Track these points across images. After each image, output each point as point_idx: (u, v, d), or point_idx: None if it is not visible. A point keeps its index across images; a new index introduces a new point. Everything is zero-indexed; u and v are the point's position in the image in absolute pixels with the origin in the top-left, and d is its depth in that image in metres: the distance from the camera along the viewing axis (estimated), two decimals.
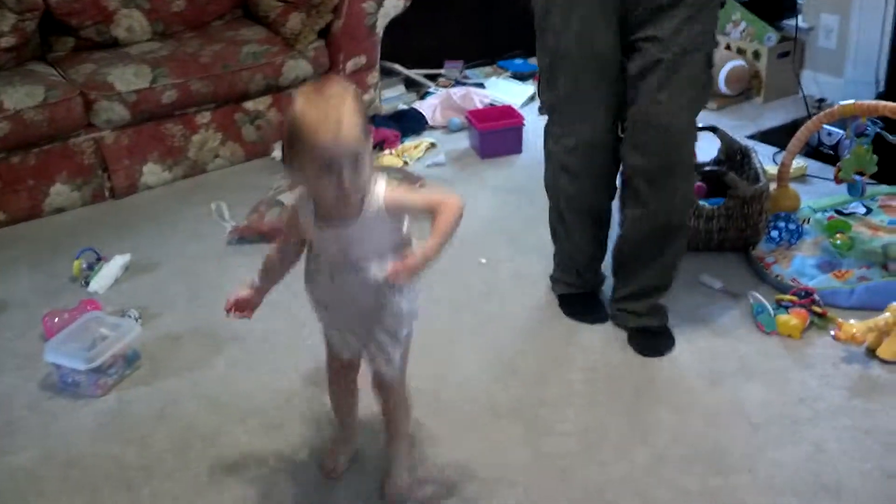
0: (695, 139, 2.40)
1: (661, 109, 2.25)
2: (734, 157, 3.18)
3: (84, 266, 3.00)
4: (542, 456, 2.15)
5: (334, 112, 1.57)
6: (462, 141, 4.02)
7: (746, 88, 4.27)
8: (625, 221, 2.50)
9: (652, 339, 2.52)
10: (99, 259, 3.04)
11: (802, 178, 3.45)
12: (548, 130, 2.52)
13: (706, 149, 3.29)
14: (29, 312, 2.85)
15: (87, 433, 2.31)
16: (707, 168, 3.04)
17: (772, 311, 2.54)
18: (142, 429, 2.31)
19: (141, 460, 2.21)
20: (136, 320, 2.68)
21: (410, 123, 4.13)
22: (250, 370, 2.52)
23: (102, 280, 2.96)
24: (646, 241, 2.45)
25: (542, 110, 2.51)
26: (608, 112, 2.36)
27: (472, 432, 2.24)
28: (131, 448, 2.25)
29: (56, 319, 2.66)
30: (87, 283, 2.97)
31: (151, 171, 3.70)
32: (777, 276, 2.74)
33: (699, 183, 2.98)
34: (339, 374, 2.04)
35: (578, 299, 2.69)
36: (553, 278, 2.77)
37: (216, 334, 2.69)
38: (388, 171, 3.56)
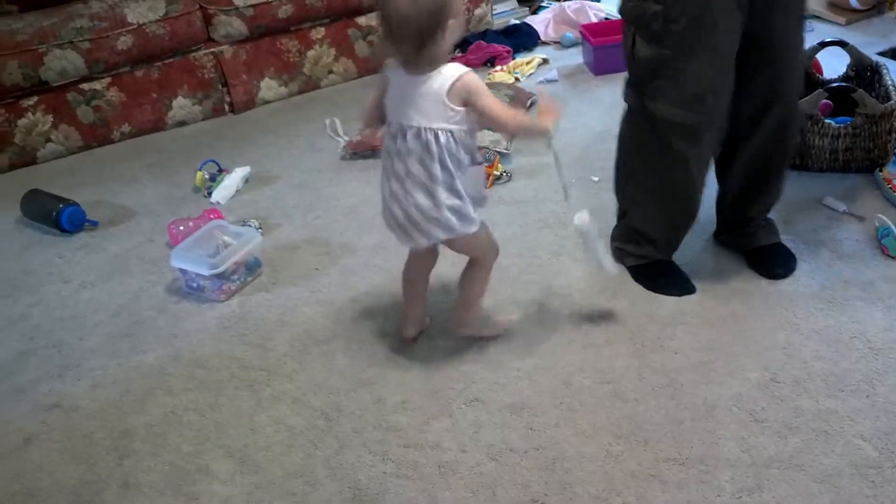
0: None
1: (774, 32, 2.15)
2: (864, 73, 3.03)
3: (206, 177, 3.11)
4: (650, 371, 2.15)
5: None
6: (575, 57, 3.95)
7: (878, 2, 4.04)
8: (733, 152, 2.37)
9: (775, 260, 2.46)
10: (220, 171, 3.15)
11: None
12: (648, 94, 2.19)
13: (834, 65, 3.15)
14: (155, 220, 2.99)
15: (211, 335, 2.43)
16: (835, 85, 2.91)
17: None
18: (263, 332, 2.41)
19: (262, 362, 2.31)
20: (258, 230, 2.77)
21: (522, 39, 4.08)
22: (363, 279, 2.59)
23: (224, 191, 3.06)
24: (757, 167, 2.37)
25: (639, 71, 2.19)
26: (737, 42, 2.12)
27: (576, 343, 2.25)
28: (253, 350, 2.35)
29: (181, 227, 2.77)
30: (210, 194, 3.07)
31: (268, 86, 3.77)
32: None
33: (825, 100, 2.86)
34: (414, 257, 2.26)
35: (658, 269, 2.46)
36: (622, 251, 2.50)
37: (331, 244, 2.77)
38: (499, 87, 3.54)
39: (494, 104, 1.95)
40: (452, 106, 1.91)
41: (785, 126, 2.30)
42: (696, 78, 2.11)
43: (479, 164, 2.06)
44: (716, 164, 2.43)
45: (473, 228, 2.05)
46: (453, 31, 1.88)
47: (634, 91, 2.25)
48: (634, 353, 2.21)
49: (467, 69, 1.93)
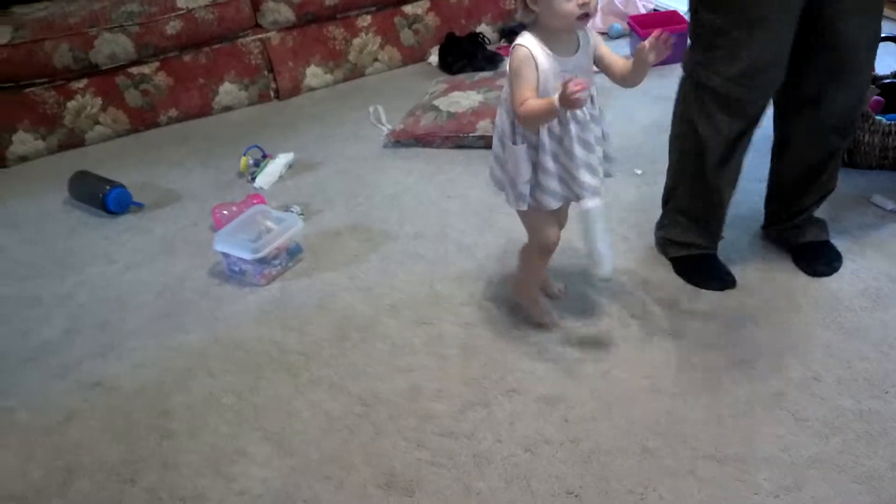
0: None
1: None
2: None
3: (251, 162, 3.13)
4: (689, 366, 2.13)
5: None
6: (622, 48, 3.91)
7: None
8: (790, 140, 2.35)
9: (820, 257, 2.43)
10: (265, 156, 3.17)
11: None
12: (702, 62, 2.18)
13: (886, 60, 3.07)
14: (200, 204, 3.02)
15: (252, 319, 2.45)
16: (886, 81, 2.85)
17: None
18: (302, 317, 2.43)
19: (300, 346, 2.32)
20: (300, 215, 2.79)
21: None
22: (403, 266, 2.60)
23: (267, 176, 3.09)
24: (815, 154, 2.34)
25: (696, 37, 2.20)
26: (795, 20, 2.09)
27: (615, 336, 2.24)
28: (292, 335, 2.37)
29: (225, 212, 2.80)
30: (254, 179, 3.10)
31: (314, 74, 3.79)
32: None
33: (877, 97, 2.81)
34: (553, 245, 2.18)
35: (700, 262, 2.44)
36: (666, 240, 2.49)
37: (371, 232, 2.78)
38: None
39: (515, 89, 1.90)
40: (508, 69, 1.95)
41: (846, 113, 2.27)
42: (748, 52, 2.09)
43: (521, 145, 1.97)
44: (772, 151, 2.42)
45: (510, 203, 2.06)
46: (539, 5, 1.85)
47: (691, 57, 2.24)
48: (674, 348, 2.19)
49: (524, 45, 1.88)
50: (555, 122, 1.93)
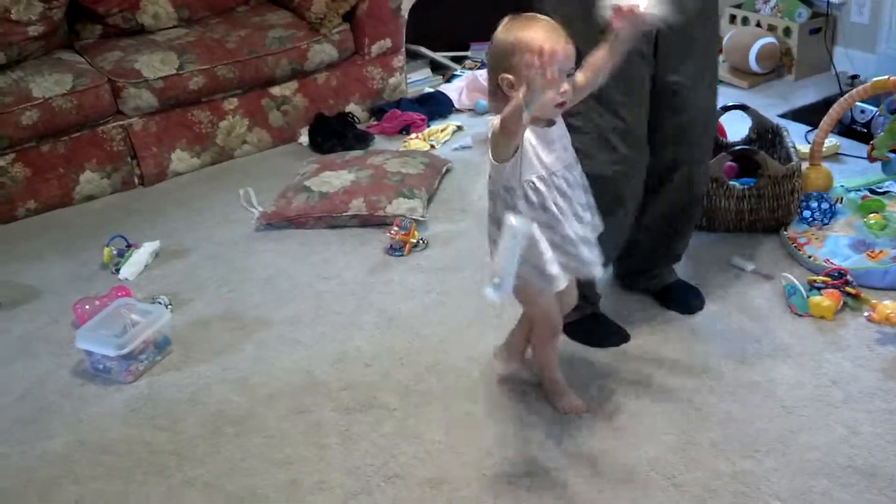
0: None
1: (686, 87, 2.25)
2: (765, 135, 3.14)
3: (114, 253, 3.03)
4: (569, 438, 2.13)
5: (556, 29, 1.83)
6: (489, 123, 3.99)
7: (777, 66, 4.20)
8: (647, 203, 2.43)
9: (687, 295, 2.58)
10: (129, 246, 3.07)
11: (835, 156, 3.40)
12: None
13: (737, 128, 3.25)
14: (61, 299, 2.89)
15: (119, 419, 2.34)
16: (738, 147, 3.00)
17: (804, 293, 2.51)
18: (173, 414, 2.33)
19: (172, 445, 2.22)
20: (167, 306, 2.70)
21: (437, 107, 4.11)
22: (278, 353, 2.54)
23: (132, 267, 2.98)
24: (670, 218, 2.47)
25: None
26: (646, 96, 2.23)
27: (497, 412, 2.23)
28: (163, 434, 2.27)
29: (87, 306, 2.69)
30: (118, 270, 2.99)
31: (180, 158, 3.72)
32: (810, 256, 2.70)
33: (729, 163, 2.94)
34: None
35: (591, 322, 2.49)
36: None
37: (245, 319, 2.71)
38: (414, 154, 3.56)
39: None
40: None
41: (700, 178, 2.45)
42: (612, 129, 2.19)
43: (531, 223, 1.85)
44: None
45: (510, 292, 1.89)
46: (508, 94, 1.80)
47: None
48: (553, 422, 2.19)
49: (492, 121, 1.84)
50: (532, 194, 1.90)
